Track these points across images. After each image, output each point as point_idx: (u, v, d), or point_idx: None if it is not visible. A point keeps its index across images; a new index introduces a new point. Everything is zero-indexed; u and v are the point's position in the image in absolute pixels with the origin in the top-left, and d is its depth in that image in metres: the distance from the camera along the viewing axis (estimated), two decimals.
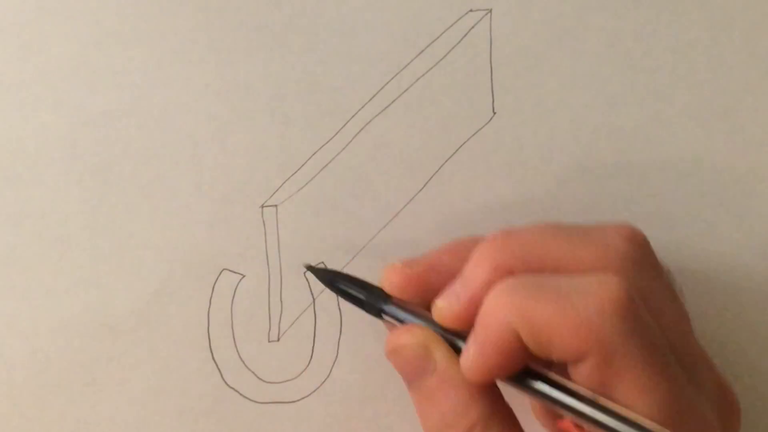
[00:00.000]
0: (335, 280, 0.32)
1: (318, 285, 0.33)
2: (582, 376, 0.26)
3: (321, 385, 0.34)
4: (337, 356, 0.34)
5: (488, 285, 0.27)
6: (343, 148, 0.33)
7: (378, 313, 0.30)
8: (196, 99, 0.33)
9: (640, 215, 0.34)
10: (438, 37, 0.33)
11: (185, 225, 0.33)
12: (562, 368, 0.27)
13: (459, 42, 0.33)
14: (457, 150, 0.33)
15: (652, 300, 0.27)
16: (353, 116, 0.33)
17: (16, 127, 0.32)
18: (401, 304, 0.30)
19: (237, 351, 0.33)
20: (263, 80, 0.33)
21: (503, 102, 0.33)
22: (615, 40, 0.33)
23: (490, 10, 0.33)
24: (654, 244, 0.29)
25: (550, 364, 0.27)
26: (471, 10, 0.33)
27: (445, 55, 0.33)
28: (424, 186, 0.33)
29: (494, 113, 0.33)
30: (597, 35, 0.33)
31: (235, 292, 0.33)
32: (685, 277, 0.34)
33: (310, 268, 0.33)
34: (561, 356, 0.26)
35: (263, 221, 0.33)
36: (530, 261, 0.28)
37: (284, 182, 0.33)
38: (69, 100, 0.32)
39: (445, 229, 0.33)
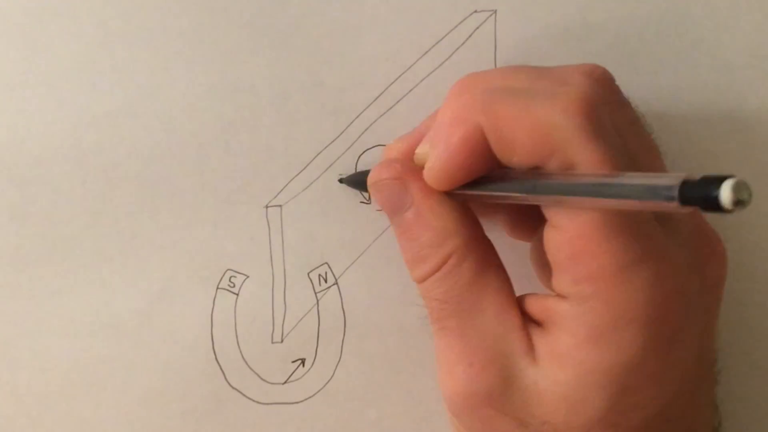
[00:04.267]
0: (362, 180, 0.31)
1: (321, 286, 0.33)
2: None
3: (324, 386, 0.33)
4: (340, 357, 0.33)
5: None
6: (348, 149, 0.33)
7: None
8: (200, 99, 0.33)
9: None
10: (443, 38, 0.33)
11: (189, 225, 0.33)
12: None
13: (464, 43, 0.33)
14: None
15: (617, 128, 0.26)
16: (358, 116, 0.33)
17: (20, 128, 0.32)
18: None
19: (240, 352, 0.33)
20: (268, 80, 0.33)
21: None
22: (619, 41, 0.33)
23: (495, 11, 0.33)
24: None
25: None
26: (476, 11, 0.33)
27: (449, 56, 0.33)
28: None
29: None
30: (601, 36, 0.33)
31: (238, 292, 0.33)
32: None
33: (342, 180, 0.33)
34: (524, 158, 0.26)
35: (267, 221, 0.33)
36: None
37: (289, 182, 0.33)
38: (73, 101, 0.32)
39: None
